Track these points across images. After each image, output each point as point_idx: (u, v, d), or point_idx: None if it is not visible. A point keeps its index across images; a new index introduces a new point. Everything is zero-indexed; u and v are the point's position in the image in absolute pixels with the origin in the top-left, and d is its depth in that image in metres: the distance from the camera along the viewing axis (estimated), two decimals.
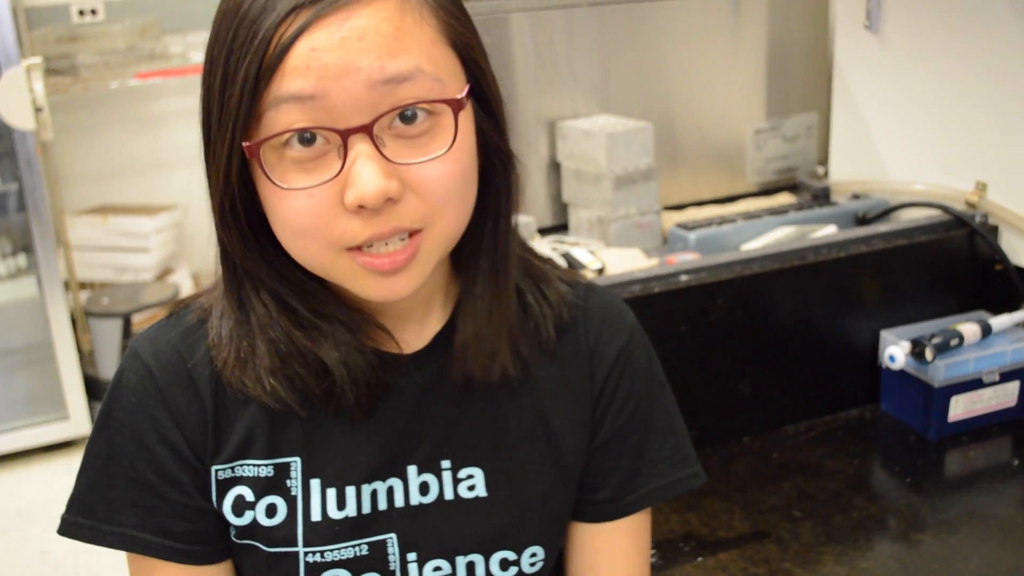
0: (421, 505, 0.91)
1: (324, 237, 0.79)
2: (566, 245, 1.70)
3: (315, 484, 0.89)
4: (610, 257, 1.65)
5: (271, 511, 0.89)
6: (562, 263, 1.62)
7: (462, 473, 0.92)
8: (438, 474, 0.92)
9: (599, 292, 1.02)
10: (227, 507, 0.90)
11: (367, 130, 0.77)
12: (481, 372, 0.91)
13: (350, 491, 0.90)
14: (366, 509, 0.90)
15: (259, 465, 0.89)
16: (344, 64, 0.75)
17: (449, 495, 0.92)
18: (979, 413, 1.55)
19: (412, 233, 0.81)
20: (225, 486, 0.90)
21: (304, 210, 0.78)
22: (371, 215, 0.78)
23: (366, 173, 0.76)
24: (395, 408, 0.91)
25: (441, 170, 0.80)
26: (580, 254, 1.64)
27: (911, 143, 1.82)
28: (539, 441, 0.95)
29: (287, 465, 0.89)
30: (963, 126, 1.72)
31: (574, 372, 0.97)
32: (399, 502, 0.91)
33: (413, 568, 0.91)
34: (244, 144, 0.78)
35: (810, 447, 1.51)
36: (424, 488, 0.91)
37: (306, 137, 0.78)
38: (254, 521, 0.89)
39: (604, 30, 1.87)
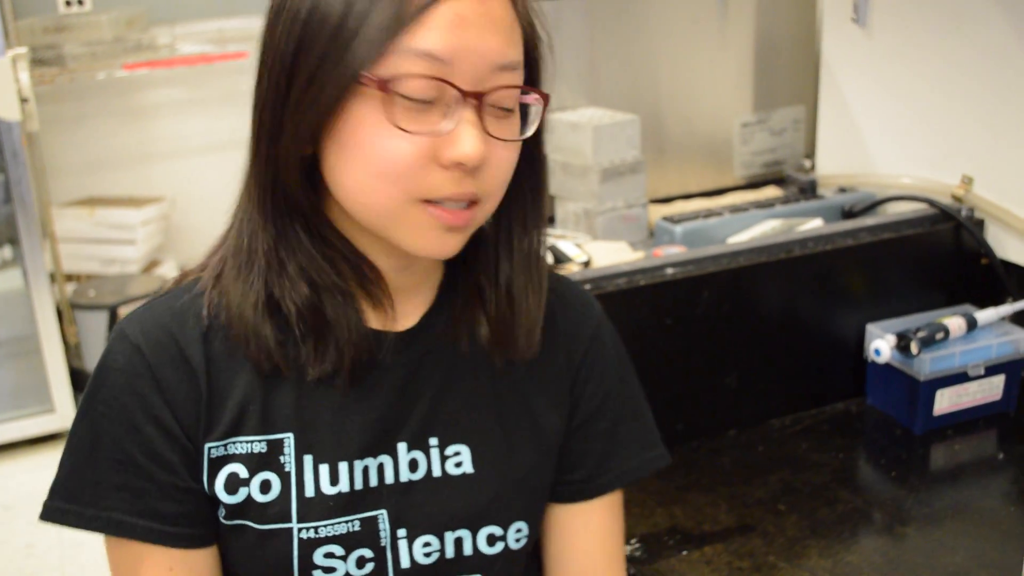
0: (411, 482, 0.93)
1: (410, 184, 0.84)
2: (552, 238, 1.69)
3: (308, 460, 0.91)
4: (596, 250, 1.65)
5: (265, 487, 0.90)
6: (548, 256, 1.62)
7: (449, 450, 0.95)
8: (426, 451, 0.94)
9: (568, 281, 1.08)
10: (220, 485, 0.90)
11: (482, 98, 0.83)
12: (518, 351, 0.96)
13: (343, 467, 0.91)
14: (358, 485, 0.91)
15: (252, 441, 0.90)
16: (481, 39, 0.82)
17: (437, 472, 0.94)
18: (964, 407, 1.56)
19: (470, 203, 0.87)
20: (218, 464, 0.90)
21: (404, 152, 0.82)
22: (461, 175, 0.84)
23: (473, 136, 0.83)
24: (385, 385, 0.93)
25: (508, 153, 0.87)
26: (566, 247, 1.63)
27: (898, 137, 1.82)
28: (522, 420, 0.99)
29: (280, 441, 0.91)
30: (950, 120, 1.72)
31: (552, 355, 1.01)
32: (389, 478, 0.93)
33: (403, 544, 0.93)
34: (369, 77, 0.81)
35: (796, 440, 1.51)
36: (413, 465, 0.94)
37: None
38: (248, 498, 0.90)
39: (592, 23, 1.87)
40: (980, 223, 1.68)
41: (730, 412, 1.53)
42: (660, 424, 1.46)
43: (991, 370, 1.56)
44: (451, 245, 0.88)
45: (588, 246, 1.67)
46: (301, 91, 0.83)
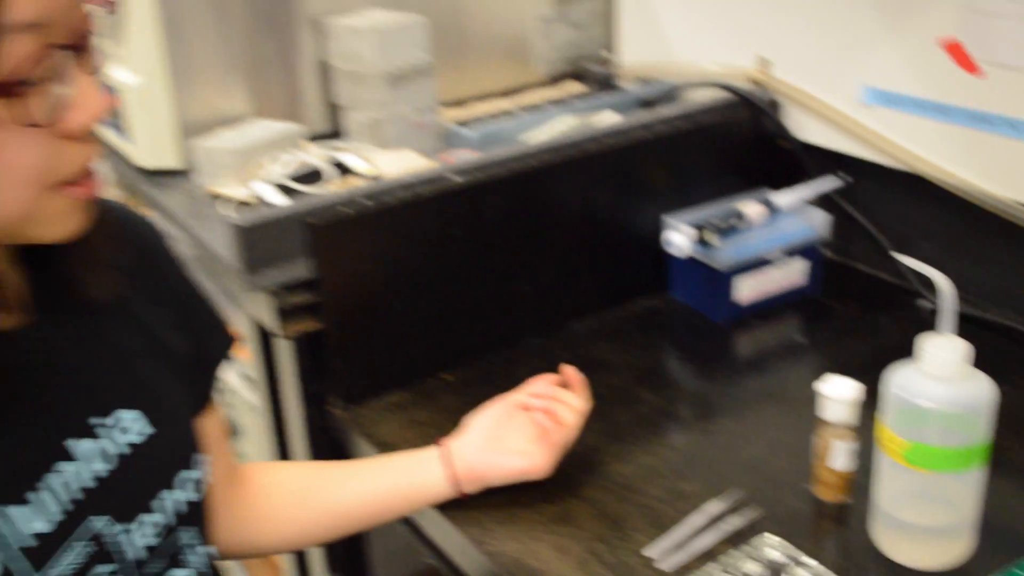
0: (109, 473, 0.82)
1: (45, 175, 0.70)
2: (337, 151, 1.60)
3: None
4: (384, 161, 1.56)
5: None
6: (334, 172, 1.53)
7: (124, 423, 0.85)
8: (95, 435, 0.83)
9: (126, 207, 0.98)
10: None
11: (86, 45, 0.70)
12: (98, 292, 0.86)
13: (32, 496, 0.78)
14: (56, 508, 0.79)
15: None
16: None
17: (124, 449, 0.84)
18: (768, 294, 1.53)
19: None
20: None
21: (37, 146, 0.68)
22: (87, 138, 0.72)
23: (94, 91, 0.70)
24: (28, 387, 0.80)
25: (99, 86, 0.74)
26: (351, 160, 1.54)
27: (697, 23, 1.77)
28: (163, 359, 0.92)
29: None
30: (747, 2, 1.67)
31: (154, 285, 0.94)
32: (88, 481, 0.81)
33: (136, 535, 0.84)
34: None
35: (597, 342, 1.47)
36: (100, 455, 0.82)
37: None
38: None
39: None
40: (779, 106, 1.65)
41: (528, 319, 1.47)
42: (455, 339, 1.41)
43: (792, 255, 1.53)
44: (87, 219, 0.77)
45: (375, 158, 1.58)
46: None
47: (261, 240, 1.27)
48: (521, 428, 1.15)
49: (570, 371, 1.19)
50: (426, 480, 1.11)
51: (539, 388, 1.17)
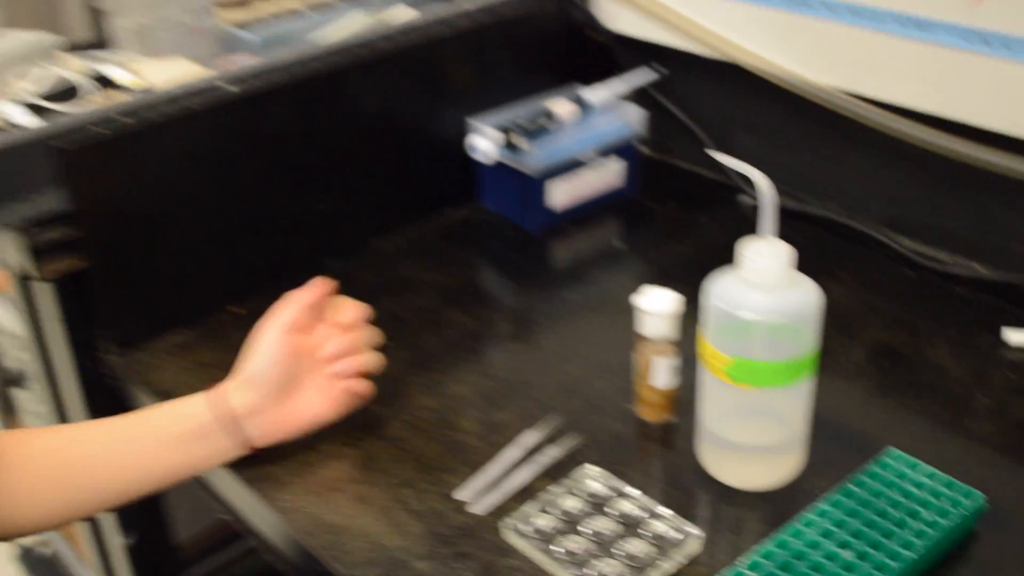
0: None
1: None
2: (99, 63, 1.42)
3: None
4: (153, 72, 1.39)
5: None
6: (94, 87, 1.36)
7: None
8: None
9: None
10: None
11: None
12: None
13: None
14: None
15: None
16: None
17: None
18: (584, 198, 1.43)
19: None
20: None
21: None
22: None
23: None
24: None
25: None
26: (115, 73, 1.37)
27: None
28: None
29: None
30: None
31: None
32: None
33: None
34: None
35: (403, 260, 1.35)
36: None
37: None
38: None
39: None
40: None
41: (325, 239, 1.33)
42: (243, 267, 1.27)
43: (607, 154, 1.44)
44: None
45: (144, 69, 1.40)
46: None
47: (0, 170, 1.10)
48: (312, 370, 1.02)
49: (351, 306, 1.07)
50: (208, 445, 0.98)
51: (333, 346, 1.03)
